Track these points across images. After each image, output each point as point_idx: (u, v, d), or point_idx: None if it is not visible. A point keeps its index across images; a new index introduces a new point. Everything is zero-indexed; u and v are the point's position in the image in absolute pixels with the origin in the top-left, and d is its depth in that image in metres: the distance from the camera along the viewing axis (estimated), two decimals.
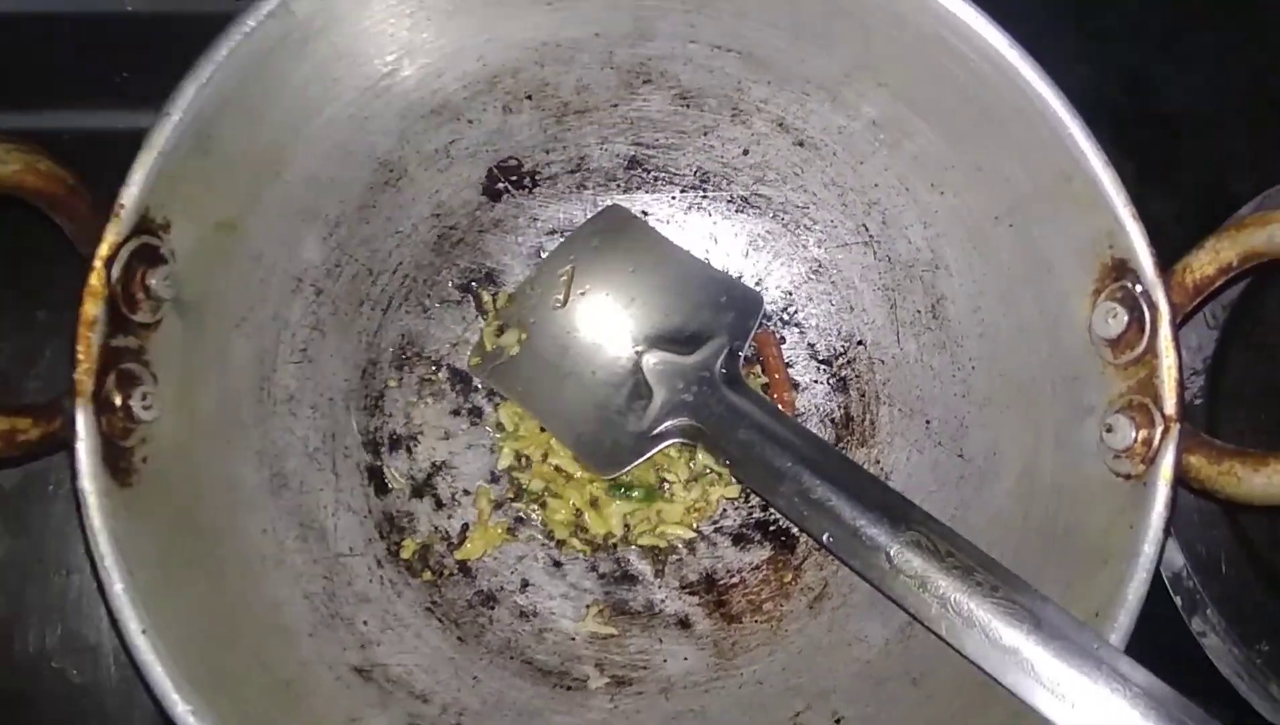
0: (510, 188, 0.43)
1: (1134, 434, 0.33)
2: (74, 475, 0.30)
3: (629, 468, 0.41)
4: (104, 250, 0.31)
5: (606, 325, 0.43)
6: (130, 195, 0.31)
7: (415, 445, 0.42)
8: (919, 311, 0.42)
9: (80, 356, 0.30)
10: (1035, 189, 0.36)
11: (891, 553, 0.34)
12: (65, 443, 0.30)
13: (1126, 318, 0.34)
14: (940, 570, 0.33)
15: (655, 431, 0.41)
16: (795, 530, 0.43)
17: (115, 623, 0.29)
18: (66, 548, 0.43)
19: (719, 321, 0.42)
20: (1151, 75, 0.58)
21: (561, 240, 0.44)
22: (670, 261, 0.43)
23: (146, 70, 0.46)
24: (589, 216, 0.44)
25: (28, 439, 0.29)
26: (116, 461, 0.31)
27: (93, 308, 0.31)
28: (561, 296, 0.43)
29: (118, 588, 0.29)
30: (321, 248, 0.40)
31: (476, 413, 0.43)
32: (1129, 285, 0.34)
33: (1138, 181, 0.56)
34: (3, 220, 0.35)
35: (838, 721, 0.37)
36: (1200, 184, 0.55)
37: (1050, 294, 0.37)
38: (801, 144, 0.42)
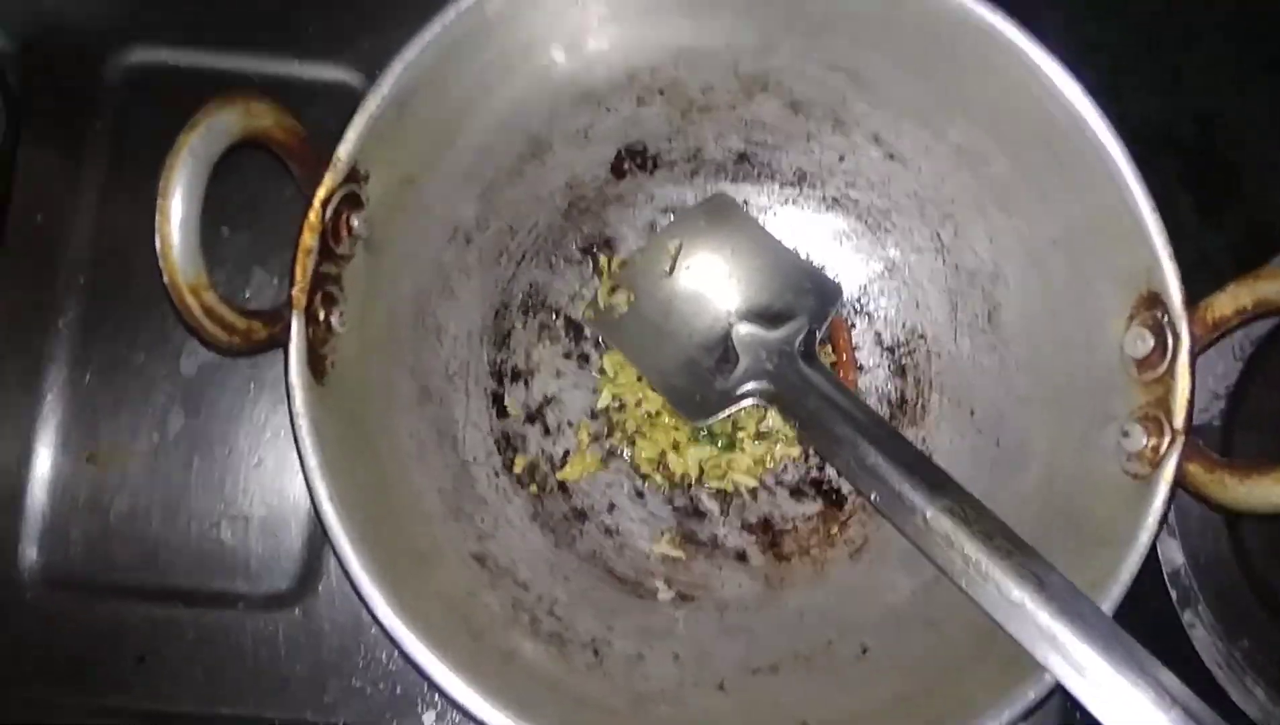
0: (634, 168, 0.50)
1: (1145, 441, 0.39)
2: (286, 370, 0.38)
3: (712, 419, 0.48)
4: (322, 193, 0.38)
5: (704, 295, 0.50)
6: (345, 150, 0.39)
7: (531, 379, 0.50)
8: (976, 315, 0.48)
9: (298, 277, 0.38)
10: (1089, 222, 0.42)
11: (928, 515, 0.41)
12: (282, 343, 0.38)
13: (1153, 342, 0.40)
14: (966, 534, 0.40)
15: (738, 391, 0.48)
16: (845, 490, 0.49)
17: (310, 488, 0.37)
18: (229, 429, 0.51)
19: (802, 304, 0.48)
20: (1222, 115, 0.62)
21: (673, 218, 0.51)
22: (765, 247, 0.50)
23: (326, 28, 0.55)
24: (699, 200, 0.51)
25: (258, 338, 0.37)
26: (315, 363, 0.39)
27: (310, 239, 0.38)
28: (668, 267, 0.50)
29: (312, 462, 0.37)
30: (476, 205, 0.47)
31: (584, 358, 0.51)
32: (1158, 315, 0.40)
33: (1196, 214, 0.60)
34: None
35: (864, 651, 0.44)
36: (1255, 223, 0.60)
37: (1091, 314, 0.43)
38: (891, 157, 0.48)
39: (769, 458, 0.50)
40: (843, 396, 0.45)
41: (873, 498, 0.43)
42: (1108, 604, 0.38)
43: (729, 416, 0.48)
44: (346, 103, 0.53)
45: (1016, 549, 0.39)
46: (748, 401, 0.48)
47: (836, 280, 0.50)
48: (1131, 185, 0.40)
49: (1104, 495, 0.41)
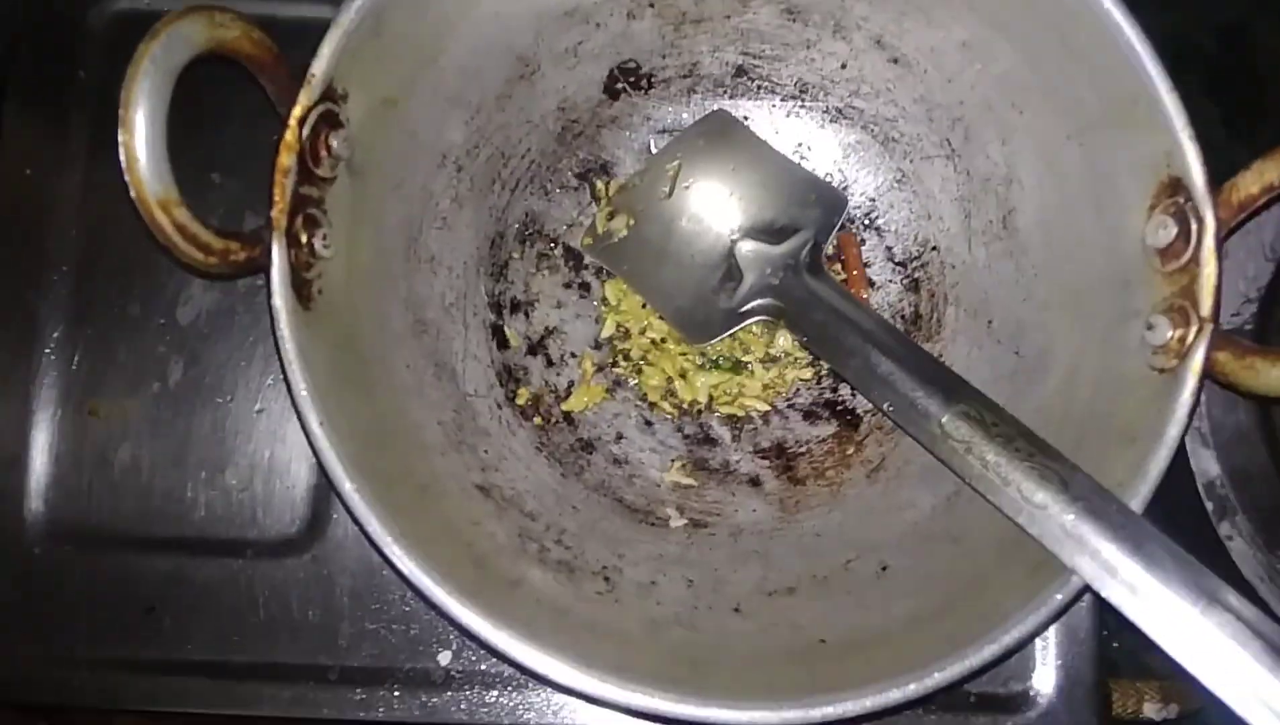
0: (628, 88, 0.49)
1: (1171, 332, 0.37)
2: (269, 294, 0.36)
3: (718, 338, 0.47)
4: (298, 111, 0.37)
5: (706, 215, 0.48)
6: (320, 66, 0.37)
7: (532, 310, 0.49)
8: (990, 221, 0.46)
9: (276, 198, 0.36)
10: (1104, 111, 0.40)
11: (943, 421, 0.39)
12: (263, 267, 0.36)
13: (1176, 230, 0.38)
14: (984, 438, 0.38)
15: (743, 309, 0.46)
16: (860, 410, 0.48)
17: (299, 415, 0.36)
18: (230, 376, 0.50)
19: (806, 217, 0.47)
20: (1246, 28, 0.59)
21: (670, 139, 0.49)
22: (766, 161, 0.48)
23: None
24: (696, 119, 0.49)
25: (236, 260, 0.35)
26: (300, 288, 0.37)
27: (287, 159, 0.37)
28: (668, 188, 0.48)
29: (301, 387, 0.36)
30: (464, 130, 0.45)
31: (585, 287, 0.49)
32: (1180, 201, 0.38)
33: (1222, 126, 0.58)
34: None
35: (884, 569, 0.42)
36: None
37: (1110, 208, 0.41)
38: (895, 61, 0.46)
39: (780, 381, 0.48)
40: (851, 306, 0.44)
41: (886, 407, 0.41)
42: (1137, 502, 0.36)
43: (733, 334, 0.47)
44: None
45: (1038, 450, 0.38)
46: (753, 318, 0.46)
47: (843, 189, 0.48)
48: (1147, 66, 0.38)
49: (1130, 393, 0.39)
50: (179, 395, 0.50)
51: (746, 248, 0.47)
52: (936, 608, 0.39)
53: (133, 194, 0.32)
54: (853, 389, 0.48)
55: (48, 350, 0.50)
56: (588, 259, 0.49)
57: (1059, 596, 0.36)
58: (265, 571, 0.49)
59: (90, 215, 0.51)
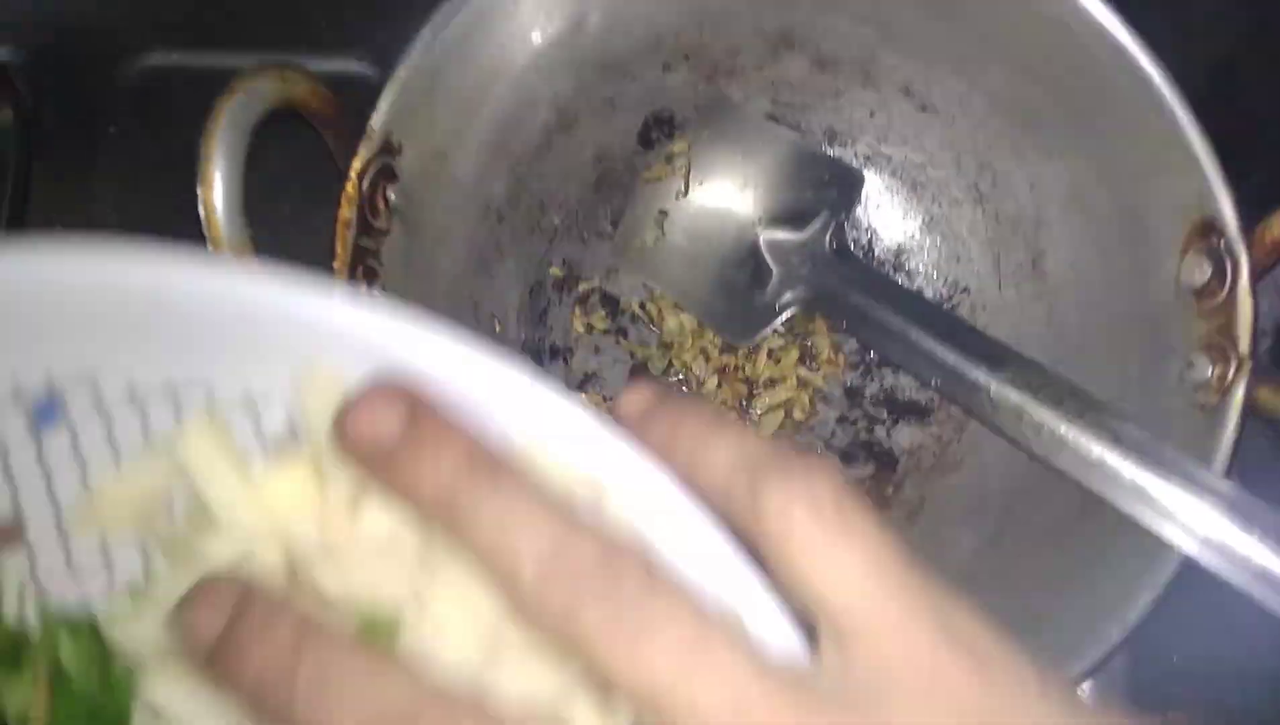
0: (662, 137, 0.50)
1: (1211, 370, 0.38)
2: None
3: (757, 337, 0.48)
4: (358, 164, 0.37)
5: (724, 209, 0.49)
6: (379, 120, 0.38)
7: (570, 357, 0.49)
8: (1020, 264, 0.47)
9: (338, 250, 0.37)
10: (1136, 156, 0.41)
11: (992, 391, 0.41)
12: None
13: (1210, 270, 0.39)
14: (1034, 402, 0.39)
15: (777, 304, 0.47)
16: (896, 451, 0.48)
17: None
18: None
19: (824, 197, 0.47)
20: (1236, 68, 0.61)
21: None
22: (775, 144, 0.49)
23: (337, 25, 0.54)
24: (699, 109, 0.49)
25: None
26: None
27: (348, 211, 0.37)
28: (683, 187, 0.49)
29: None
30: (506, 181, 0.46)
31: (623, 332, 0.50)
32: (1214, 242, 0.39)
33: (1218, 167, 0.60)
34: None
35: None
36: (1273, 176, 0.59)
37: (1143, 249, 0.42)
38: (924, 109, 0.48)
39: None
40: (884, 285, 0.45)
41: (934, 383, 0.42)
42: None
43: (773, 330, 0.48)
44: (363, 94, 0.53)
45: (1087, 407, 0.39)
46: (788, 312, 0.47)
47: (858, 166, 0.49)
48: (1178, 112, 0.40)
49: (1172, 432, 0.39)
50: None
51: (769, 238, 0.47)
52: None
53: (210, 247, 0.32)
54: (888, 430, 0.49)
55: None
56: (623, 302, 0.50)
57: (1115, 634, 0.37)
58: None
59: None
